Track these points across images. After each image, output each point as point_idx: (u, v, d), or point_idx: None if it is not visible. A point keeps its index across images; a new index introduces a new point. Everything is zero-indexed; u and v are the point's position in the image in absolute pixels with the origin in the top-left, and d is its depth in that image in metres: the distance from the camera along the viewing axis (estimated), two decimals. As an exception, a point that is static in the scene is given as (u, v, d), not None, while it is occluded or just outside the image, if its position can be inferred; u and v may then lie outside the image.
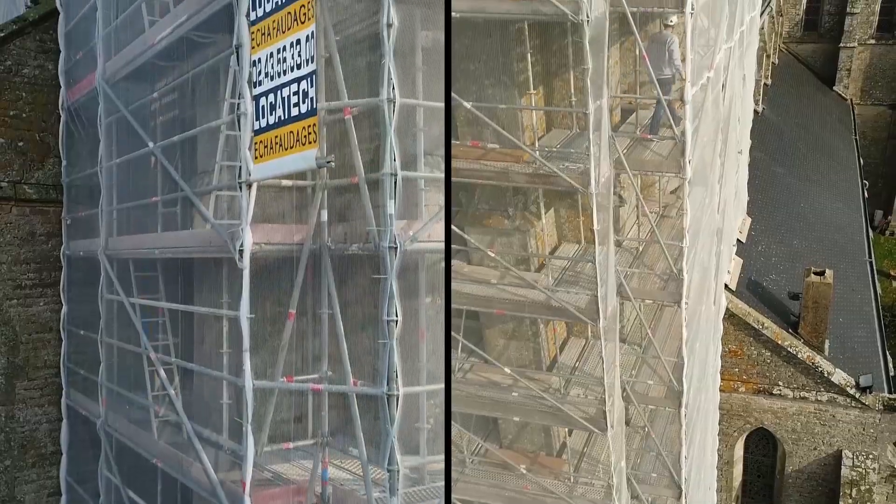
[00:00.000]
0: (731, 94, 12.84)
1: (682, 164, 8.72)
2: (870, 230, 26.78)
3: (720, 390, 15.73)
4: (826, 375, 15.99)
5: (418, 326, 8.62)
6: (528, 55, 8.56)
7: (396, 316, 7.16)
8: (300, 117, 7.17)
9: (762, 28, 26.33)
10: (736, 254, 18.10)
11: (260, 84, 7.78)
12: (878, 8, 41.03)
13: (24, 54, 13.99)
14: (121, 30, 11.58)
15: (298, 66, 7.18)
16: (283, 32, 7.35)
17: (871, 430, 15.92)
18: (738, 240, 18.77)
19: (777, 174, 24.80)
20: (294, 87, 7.26)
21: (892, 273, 40.37)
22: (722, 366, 15.62)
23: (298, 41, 7.13)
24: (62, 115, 14.11)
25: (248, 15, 7.81)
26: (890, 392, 16.20)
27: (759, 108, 28.37)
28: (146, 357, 10.84)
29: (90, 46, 12.62)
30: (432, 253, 8.24)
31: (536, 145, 8.81)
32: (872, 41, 41.89)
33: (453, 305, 9.66)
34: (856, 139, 36.82)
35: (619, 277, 9.66)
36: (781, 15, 40.08)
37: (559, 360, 10.92)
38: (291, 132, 7.29)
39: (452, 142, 9.07)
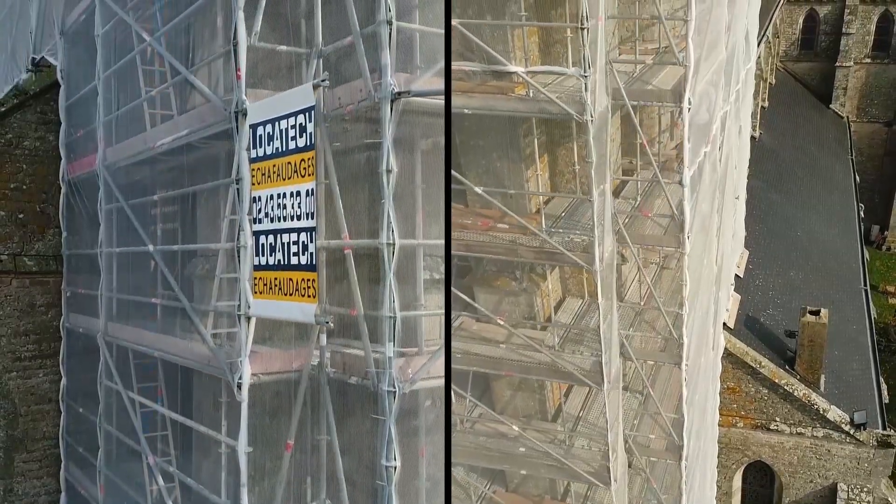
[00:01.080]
0: (727, 149, 13.23)
1: (681, 240, 9.11)
2: (865, 256, 27.19)
3: (719, 425, 16.13)
4: (821, 413, 16.44)
5: (417, 467, 8.44)
6: (534, 131, 8.82)
7: (396, 461, 7.05)
8: (300, 268, 7.23)
9: (759, 55, 26.71)
10: (734, 290, 18.51)
11: (260, 221, 7.81)
12: (873, 28, 41.65)
13: (25, 126, 14.08)
14: (122, 120, 11.64)
15: (298, 218, 7.23)
16: (284, 180, 7.38)
17: (866, 465, 16.34)
18: (736, 275, 19.15)
19: (774, 202, 25.22)
20: (294, 235, 7.30)
21: (890, 290, 40.93)
22: (721, 402, 16.02)
23: (299, 193, 7.19)
24: (62, 186, 14.03)
25: (248, 150, 7.90)
26: (883, 428, 16.63)
27: (756, 134, 28.86)
28: (146, 460, 10.86)
29: (91, 128, 12.62)
30: (433, 389, 8.12)
31: (543, 214, 9.11)
32: (868, 60, 42.47)
33: (462, 366, 10.10)
34: (852, 159, 37.30)
35: (622, 338, 9.96)
36: (778, 37, 40.57)
37: (564, 408, 11.25)
38: (291, 279, 7.34)
39: (461, 206, 9.53)
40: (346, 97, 7.56)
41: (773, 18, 35.24)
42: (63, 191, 13.98)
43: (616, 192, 10.46)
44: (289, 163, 7.35)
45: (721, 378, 15.77)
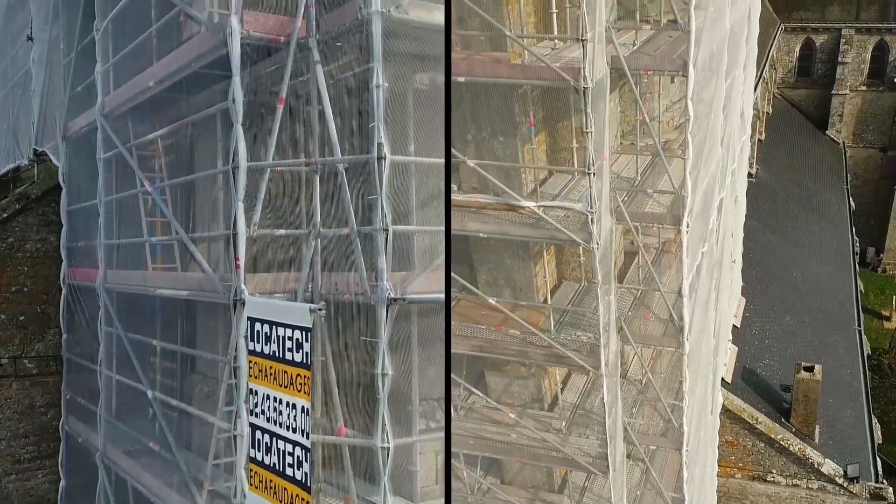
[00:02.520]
0: (724, 228, 13.66)
1: (680, 341, 9.52)
2: (859, 294, 27.75)
3: (717, 475, 16.61)
4: (816, 466, 17.06)
5: (411, 374, 8.72)
6: (530, 102, 8.70)
7: (388, 370, 7.29)
8: (294, 482, 7.31)
9: (756, 95, 27.31)
10: (732, 341, 18.95)
11: (257, 416, 7.86)
12: (868, 56, 42.53)
13: (27, 229, 14.19)
14: (123, 249, 11.85)
15: (294, 430, 7.31)
16: (281, 386, 7.45)
17: (860, 515, 16.81)
18: (733, 325, 19.57)
19: (770, 243, 25.79)
20: (290, 447, 7.39)
21: (884, 313, 41.34)
22: (719, 454, 16.60)
23: (295, 405, 7.29)
24: (63, 288, 14.02)
25: (246, 337, 7.98)
26: (876, 480, 17.22)
27: (753, 171, 29.47)
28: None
29: (92, 244, 12.70)
30: (425, 304, 8.29)
31: (538, 192, 9.08)
32: (864, 88, 43.32)
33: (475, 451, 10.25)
34: (847, 188, 37.94)
35: (620, 321, 9.93)
36: (775, 68, 41.47)
37: (561, 397, 11.47)
38: (286, 489, 7.40)
39: (472, 300, 9.68)
40: (343, 286, 7.96)
41: (770, 52, 36.12)
42: (64, 292, 13.97)
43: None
44: (285, 372, 7.41)
45: (719, 432, 16.35)
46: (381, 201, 7.30)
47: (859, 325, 24.53)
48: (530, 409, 11.01)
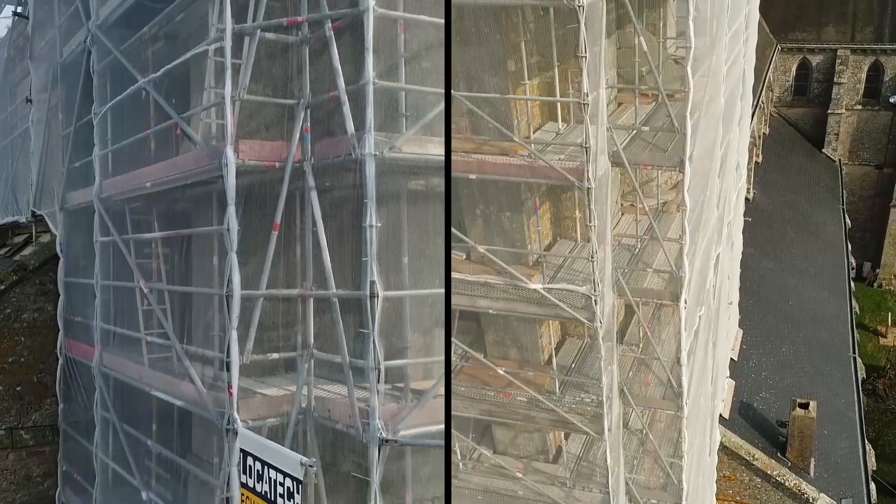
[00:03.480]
0: (721, 276, 14.08)
1: (679, 405, 9.89)
2: (854, 320, 28.31)
3: None
4: (811, 501, 17.53)
5: (401, 231, 8.70)
6: (523, 45, 8.51)
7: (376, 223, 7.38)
8: None
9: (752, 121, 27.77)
10: (729, 375, 19.41)
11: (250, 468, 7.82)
12: (863, 76, 43.19)
13: (24, 299, 13.98)
14: (119, 336, 11.75)
15: None
16: None
17: (853, 549, 17.37)
18: (731, 358, 20.06)
19: (766, 270, 26.30)
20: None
21: (880, 329, 41.94)
22: (717, 488, 16.97)
23: None
24: (60, 358, 13.90)
25: (238, 467, 7.91)
26: None
27: (750, 195, 30.01)
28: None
29: (89, 323, 12.59)
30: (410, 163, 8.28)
31: (531, 137, 8.84)
32: (859, 107, 43.96)
33: None
34: (843, 208, 38.51)
35: (622, 385, 9.96)
36: (772, 89, 42.08)
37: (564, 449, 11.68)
38: None
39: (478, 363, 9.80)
40: (336, 414, 8.17)
41: (767, 75, 36.74)
42: (60, 362, 13.93)
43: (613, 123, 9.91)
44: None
45: (717, 468, 16.74)
46: (374, 337, 7.46)
47: (854, 352, 25.06)
48: (535, 462, 11.47)
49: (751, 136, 28.38)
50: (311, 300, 8.62)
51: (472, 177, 8.42)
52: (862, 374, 27.07)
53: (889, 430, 27.83)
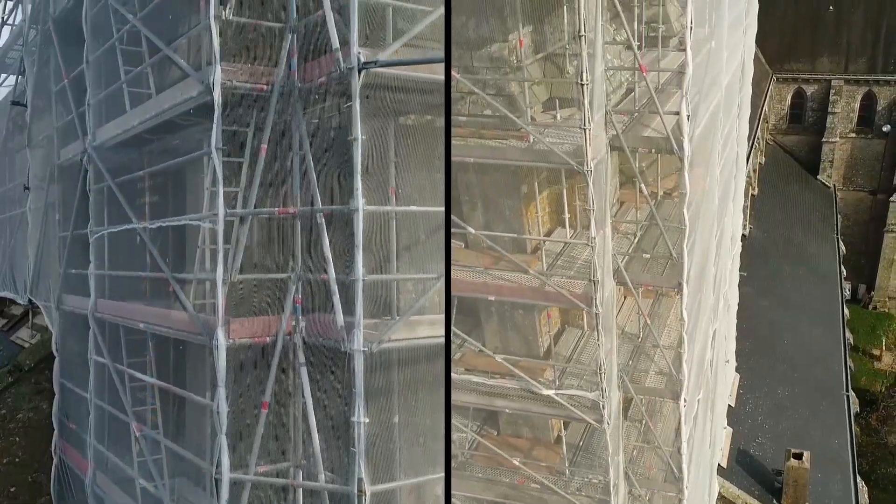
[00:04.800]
0: (718, 334, 14.85)
1: (679, 489, 10.58)
2: (847, 353, 29.10)
3: None
4: None
5: (391, 420, 8.89)
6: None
7: (365, 418, 7.48)
8: None
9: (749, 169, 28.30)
10: (727, 422, 20.12)
11: None
12: (857, 105, 44.17)
13: (20, 399, 14.00)
14: (112, 449, 11.82)
15: None
16: None
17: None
18: (728, 405, 20.80)
19: (762, 309, 27.10)
20: None
21: (874, 352, 42.80)
22: None
23: None
24: (54, 457, 13.73)
25: None
26: None
27: (747, 231, 30.80)
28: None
29: (83, 436, 12.53)
30: (405, 351, 8.49)
31: (528, 118, 8.79)
32: (853, 134, 44.94)
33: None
34: (837, 237, 39.40)
35: (617, 262, 9.74)
36: (767, 122, 43.04)
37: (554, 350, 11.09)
38: None
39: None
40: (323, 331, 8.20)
41: (763, 106, 37.67)
42: (55, 462, 13.70)
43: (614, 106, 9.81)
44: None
45: None
46: (359, 251, 7.50)
47: (847, 390, 25.92)
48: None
49: (747, 176, 29.37)
50: (299, 222, 8.62)
51: (470, 160, 8.57)
52: (856, 408, 27.92)
53: (882, 463, 28.72)
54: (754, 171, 36.06)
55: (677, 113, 8.43)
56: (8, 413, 14.03)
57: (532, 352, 10.90)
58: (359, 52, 7.45)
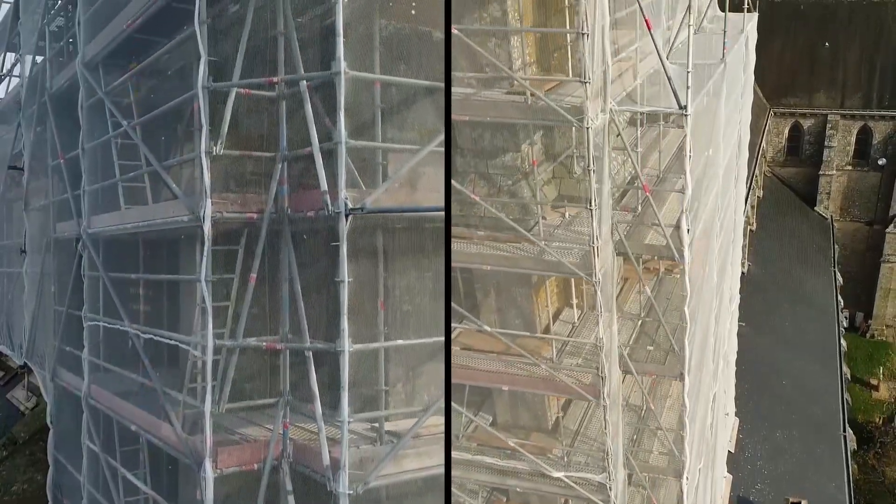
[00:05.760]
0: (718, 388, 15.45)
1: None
2: (845, 393, 29.62)
3: None
4: None
5: (377, 292, 8.85)
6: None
7: (348, 277, 7.43)
8: None
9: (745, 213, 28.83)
10: (727, 469, 20.28)
11: None
12: (853, 139, 45.05)
13: (14, 471, 13.80)
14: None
15: None
16: None
17: None
18: (728, 451, 21.11)
19: (761, 349, 27.66)
20: None
21: (872, 382, 43.35)
22: None
23: None
24: None
25: None
26: None
27: (746, 268, 31.53)
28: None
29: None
30: (389, 218, 8.45)
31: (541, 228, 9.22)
32: (849, 167, 45.79)
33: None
34: (834, 270, 40.08)
35: (622, 350, 9.90)
36: (765, 156, 43.85)
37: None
38: None
39: None
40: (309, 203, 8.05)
41: (761, 142, 38.48)
42: None
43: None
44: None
45: None
46: (341, 115, 7.45)
47: (844, 430, 26.48)
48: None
49: (745, 214, 30.05)
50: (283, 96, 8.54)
51: (487, 268, 9.03)
52: (853, 445, 28.53)
53: (880, 501, 29.21)
54: (753, 207, 36.85)
55: (678, 226, 9.02)
56: (2, 485, 13.79)
57: (541, 426, 11.54)
58: (346, 199, 7.56)
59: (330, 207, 7.59)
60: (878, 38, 44.05)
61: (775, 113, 45.12)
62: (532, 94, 8.20)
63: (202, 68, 8.31)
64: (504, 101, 8.57)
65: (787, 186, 46.52)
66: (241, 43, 8.31)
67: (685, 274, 9.33)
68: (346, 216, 7.54)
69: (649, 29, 8.43)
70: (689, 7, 8.41)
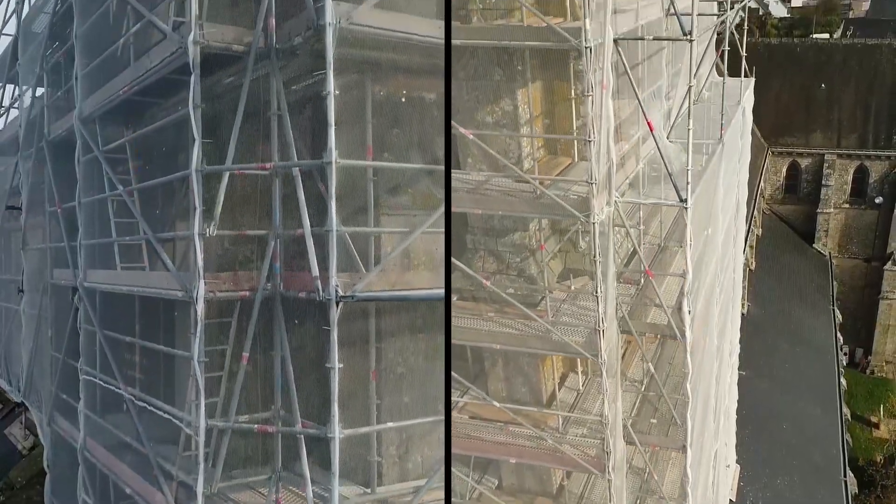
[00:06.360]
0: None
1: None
2: (845, 434, 29.82)
3: None
4: None
5: (370, 368, 8.98)
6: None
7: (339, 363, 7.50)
8: None
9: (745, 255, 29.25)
10: None
11: None
12: (850, 178, 45.72)
13: None
14: None
15: None
16: None
17: None
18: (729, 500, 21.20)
19: (761, 393, 27.89)
20: None
21: (872, 420, 43.47)
22: None
23: None
24: None
25: None
26: None
27: (745, 309, 31.93)
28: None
29: None
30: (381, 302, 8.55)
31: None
32: (847, 205, 46.39)
33: None
34: (833, 309, 40.43)
35: (626, 422, 10.05)
36: (763, 195, 44.44)
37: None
38: None
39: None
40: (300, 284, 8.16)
41: (760, 182, 39.07)
42: None
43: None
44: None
45: None
46: (332, 204, 7.55)
47: (845, 476, 26.65)
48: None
49: (744, 253, 30.42)
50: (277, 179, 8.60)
51: (497, 346, 9.33)
52: (854, 488, 28.67)
53: (879, 544, 29.38)
54: (752, 246, 37.29)
55: (679, 308, 9.43)
56: (-1, 532, 13.54)
57: (546, 490, 11.85)
58: (337, 285, 7.64)
59: (321, 293, 7.69)
60: (872, 81, 44.91)
61: (773, 152, 45.81)
62: (539, 186, 8.65)
63: (196, 152, 8.44)
64: (513, 189, 8.96)
65: (785, 223, 47.06)
66: (234, 129, 8.41)
67: (687, 353, 9.71)
68: (337, 303, 7.59)
69: (651, 131, 8.88)
70: (689, 114, 8.84)
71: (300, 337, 8.51)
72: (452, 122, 8.38)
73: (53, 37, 13.57)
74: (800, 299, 38.92)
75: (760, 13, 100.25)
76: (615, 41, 8.01)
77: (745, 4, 13.96)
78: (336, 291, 7.57)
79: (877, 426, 41.70)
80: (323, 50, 7.49)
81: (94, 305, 11.76)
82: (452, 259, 8.77)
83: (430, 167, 8.90)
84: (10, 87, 17.20)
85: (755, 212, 35.80)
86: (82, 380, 12.11)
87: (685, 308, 9.42)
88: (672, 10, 8.84)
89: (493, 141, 9.29)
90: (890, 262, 45.44)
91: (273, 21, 8.21)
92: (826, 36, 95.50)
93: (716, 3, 12.88)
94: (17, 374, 15.98)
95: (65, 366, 13.09)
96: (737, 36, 14.31)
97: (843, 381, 34.81)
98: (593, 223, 8.26)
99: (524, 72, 9.00)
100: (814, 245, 46.43)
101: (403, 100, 8.95)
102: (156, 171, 10.49)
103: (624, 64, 8.27)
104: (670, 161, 8.99)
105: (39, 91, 14.58)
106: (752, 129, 26.74)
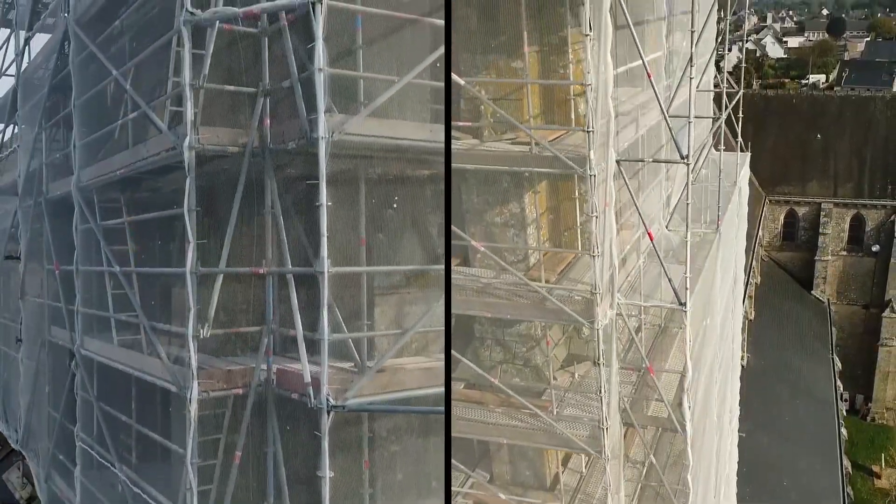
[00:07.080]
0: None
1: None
2: (847, 487, 29.86)
3: None
4: None
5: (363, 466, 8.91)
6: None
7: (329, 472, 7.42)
8: None
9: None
10: None
11: None
12: (846, 226, 46.33)
13: None
14: None
15: None
16: None
17: None
18: None
19: (761, 448, 27.99)
20: None
21: (874, 469, 43.42)
22: None
23: None
24: None
25: None
26: None
27: (745, 361, 32.13)
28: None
29: None
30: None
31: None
32: (844, 252, 46.93)
33: None
34: (832, 357, 40.69)
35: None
36: (762, 243, 45.00)
37: None
38: None
39: None
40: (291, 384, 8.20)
41: (758, 230, 39.62)
42: None
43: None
44: None
45: None
46: (324, 314, 7.52)
47: (846, 533, 26.76)
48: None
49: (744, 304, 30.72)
50: (271, 278, 8.75)
51: (504, 441, 9.76)
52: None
53: None
54: (750, 297, 37.68)
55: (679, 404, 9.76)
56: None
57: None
58: (328, 394, 7.60)
59: (312, 401, 7.68)
60: (867, 131, 45.74)
61: (771, 200, 46.46)
62: (546, 293, 8.93)
63: (191, 254, 8.45)
64: (520, 288, 9.00)
65: (783, 269, 47.53)
66: (227, 235, 8.47)
67: (688, 446, 10.01)
68: (328, 412, 7.53)
69: (651, 239, 9.31)
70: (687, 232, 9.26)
71: (292, 440, 8.52)
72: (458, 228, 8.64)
73: (54, 89, 13.33)
74: (799, 347, 39.17)
75: (758, 54, 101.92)
76: (618, 162, 8.44)
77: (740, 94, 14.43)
78: (328, 400, 7.54)
79: (878, 476, 41.76)
80: (316, 155, 7.55)
81: (91, 374, 11.71)
82: (457, 355, 8.92)
83: (426, 268, 9.15)
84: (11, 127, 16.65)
85: (753, 261, 36.23)
86: (79, 447, 12.02)
87: (685, 404, 9.74)
88: (671, 135, 9.23)
89: (501, 237, 9.58)
90: (888, 308, 45.84)
91: (268, 122, 8.40)
92: (822, 77, 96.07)
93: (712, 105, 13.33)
94: (14, 416, 15.82)
95: (62, 426, 12.90)
96: (733, 116, 14.77)
97: (843, 430, 34.89)
98: (597, 329, 8.55)
99: (531, 179, 9.43)
100: (812, 292, 46.86)
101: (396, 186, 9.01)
102: (151, 260, 10.63)
103: (626, 182, 8.70)
104: (672, 251, 9.36)
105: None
106: (750, 179, 27.27)
